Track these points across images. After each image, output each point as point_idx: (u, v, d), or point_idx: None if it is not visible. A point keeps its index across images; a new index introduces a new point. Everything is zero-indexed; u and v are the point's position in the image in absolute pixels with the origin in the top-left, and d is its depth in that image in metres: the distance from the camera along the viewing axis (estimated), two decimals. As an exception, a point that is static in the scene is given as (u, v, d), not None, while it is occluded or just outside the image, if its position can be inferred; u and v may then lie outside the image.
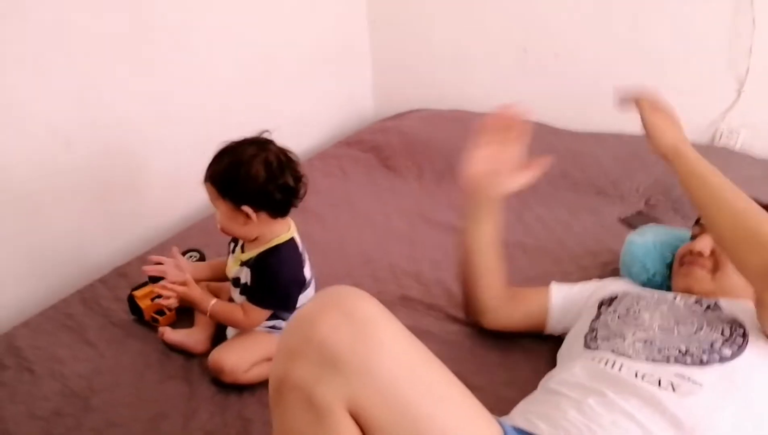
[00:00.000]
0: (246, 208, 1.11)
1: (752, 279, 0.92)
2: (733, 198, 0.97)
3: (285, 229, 1.18)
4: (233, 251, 1.24)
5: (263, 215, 1.13)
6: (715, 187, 0.99)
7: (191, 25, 1.72)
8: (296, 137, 2.17)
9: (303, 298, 1.21)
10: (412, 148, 2.09)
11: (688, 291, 1.13)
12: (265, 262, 1.16)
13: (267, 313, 1.18)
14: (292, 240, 1.19)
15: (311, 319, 0.76)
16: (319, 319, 0.75)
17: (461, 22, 2.30)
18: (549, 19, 2.14)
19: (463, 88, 2.39)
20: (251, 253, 1.18)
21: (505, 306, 1.27)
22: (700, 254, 1.14)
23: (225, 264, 1.27)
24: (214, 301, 1.18)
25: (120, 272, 1.50)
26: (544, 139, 2.05)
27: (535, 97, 2.26)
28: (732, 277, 1.10)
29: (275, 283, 1.16)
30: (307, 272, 1.22)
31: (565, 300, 1.25)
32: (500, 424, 0.82)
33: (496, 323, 1.28)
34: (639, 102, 1.14)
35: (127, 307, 1.33)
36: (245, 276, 1.18)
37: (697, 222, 1.22)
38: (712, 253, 1.14)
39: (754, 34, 1.84)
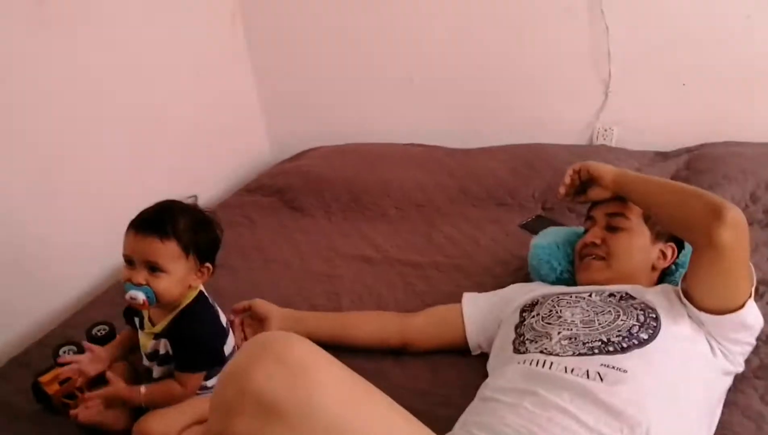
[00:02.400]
0: (208, 265, 1.11)
1: (700, 224, 1.00)
2: (670, 183, 1.16)
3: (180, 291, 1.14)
4: (140, 326, 1.17)
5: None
6: (656, 181, 1.17)
7: (77, 96, 1.65)
8: (194, 193, 2.13)
9: (227, 348, 1.16)
10: (315, 186, 2.09)
11: (591, 282, 1.21)
12: (181, 327, 1.11)
13: (202, 375, 1.13)
14: (200, 293, 1.15)
15: (243, 370, 0.73)
16: (252, 369, 0.73)
17: (347, 58, 2.35)
18: (431, 47, 2.24)
19: (356, 121, 2.44)
20: (162, 322, 1.12)
21: (420, 331, 1.31)
22: (593, 244, 1.23)
23: (129, 334, 1.22)
24: (143, 388, 1.11)
25: (18, 362, 1.37)
26: (440, 160, 2.13)
27: (426, 121, 2.35)
28: (624, 261, 1.20)
29: (199, 345, 1.11)
30: (223, 320, 1.19)
31: (479, 309, 1.30)
32: None
33: (421, 348, 1.31)
34: (578, 170, 1.27)
35: (32, 395, 1.22)
36: (164, 347, 1.12)
37: (587, 217, 1.31)
38: (603, 241, 1.23)
39: (608, 39, 2.02)
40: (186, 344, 1.11)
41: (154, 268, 1.06)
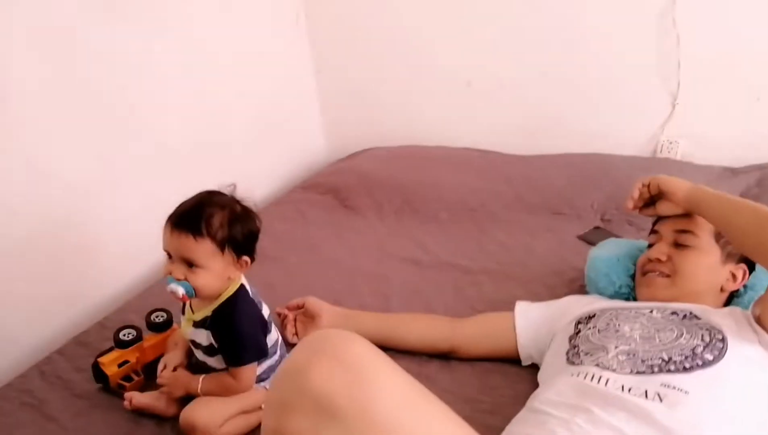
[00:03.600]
0: (246, 258, 1.12)
1: None
2: (750, 204, 1.07)
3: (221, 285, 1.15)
4: (182, 311, 1.20)
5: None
6: (735, 200, 1.10)
7: (140, 89, 1.70)
8: (251, 189, 2.17)
9: (269, 340, 1.18)
10: (369, 187, 2.10)
11: (652, 299, 1.16)
12: (221, 320, 1.12)
13: (254, 367, 1.15)
14: (242, 286, 1.16)
15: (301, 368, 0.73)
16: (311, 367, 0.72)
17: (406, 59, 2.35)
18: (490, 53, 2.22)
19: (412, 124, 2.44)
20: (203, 311, 1.13)
21: (470, 337, 1.29)
22: (658, 260, 1.18)
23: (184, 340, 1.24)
24: (201, 378, 1.14)
25: (78, 341, 1.43)
26: (495, 165, 2.11)
27: (482, 127, 2.33)
28: (691, 280, 1.15)
29: (239, 337, 1.12)
30: (265, 312, 1.20)
31: (532, 319, 1.27)
32: None
33: (469, 354, 1.29)
34: (647, 184, 1.23)
35: (91, 375, 1.27)
36: (206, 338, 1.14)
37: (652, 231, 1.26)
38: (669, 258, 1.18)
39: (679, 49, 1.95)
40: (227, 337, 1.12)
41: (191, 264, 1.07)
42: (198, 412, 1.10)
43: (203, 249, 1.06)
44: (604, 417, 0.88)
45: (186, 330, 1.18)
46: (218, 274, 1.10)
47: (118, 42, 1.62)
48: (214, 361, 1.16)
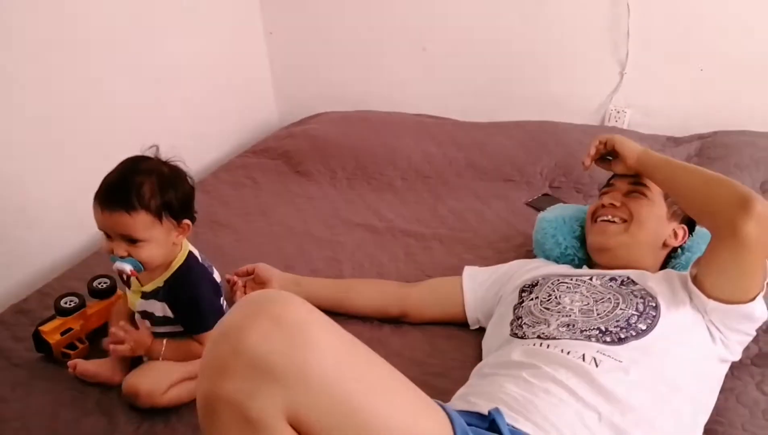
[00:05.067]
0: (186, 222, 1.08)
1: (725, 212, 0.98)
2: (696, 168, 1.12)
3: (180, 247, 1.13)
4: (127, 284, 1.16)
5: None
6: (681, 164, 1.15)
7: (83, 44, 1.61)
8: (199, 153, 2.13)
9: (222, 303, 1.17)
10: (322, 152, 2.07)
11: (603, 246, 1.20)
12: (178, 290, 1.10)
13: None
14: (190, 253, 1.14)
15: (238, 329, 0.70)
16: (247, 328, 0.70)
17: (359, 23, 2.31)
18: (445, 18, 2.20)
19: (367, 88, 2.41)
20: (154, 282, 1.11)
21: (419, 302, 1.31)
22: (612, 205, 1.22)
23: (126, 310, 1.21)
24: (163, 343, 1.11)
25: (17, 309, 1.38)
26: (449, 132, 2.11)
27: (437, 92, 2.32)
28: (643, 227, 1.18)
29: (200, 304, 1.11)
30: (217, 276, 1.18)
31: (479, 283, 1.30)
32: (445, 409, 0.82)
33: (420, 319, 1.31)
34: (603, 141, 1.26)
35: (32, 344, 1.23)
36: (161, 309, 1.12)
37: (608, 184, 1.30)
38: (623, 205, 1.21)
39: (629, 19, 1.97)
40: (187, 306, 1.11)
41: (132, 240, 1.03)
42: (141, 379, 1.09)
43: (140, 222, 1.02)
44: (549, 371, 0.92)
45: (134, 301, 1.14)
46: (162, 243, 1.07)
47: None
48: (165, 330, 1.14)
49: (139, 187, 1.02)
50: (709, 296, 1.01)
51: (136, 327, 1.14)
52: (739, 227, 0.95)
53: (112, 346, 1.10)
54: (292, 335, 0.70)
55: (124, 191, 1.01)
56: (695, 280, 1.04)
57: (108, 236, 1.05)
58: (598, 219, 1.23)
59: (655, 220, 1.19)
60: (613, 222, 1.20)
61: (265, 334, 0.70)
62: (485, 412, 0.86)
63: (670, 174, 1.14)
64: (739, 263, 0.98)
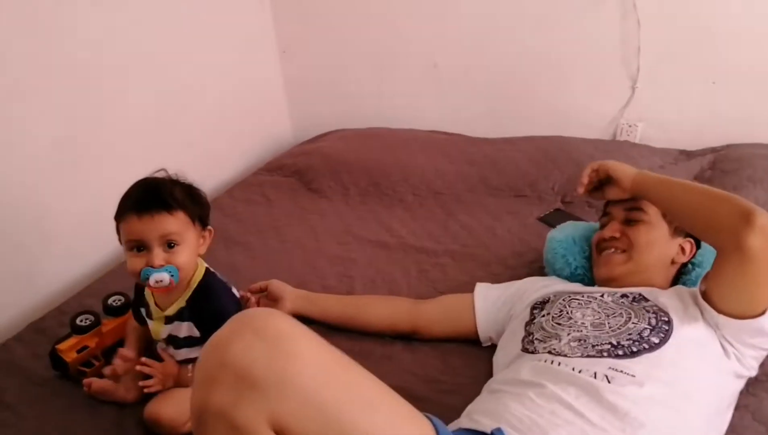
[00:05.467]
0: (210, 229, 1.13)
1: (728, 228, 0.98)
2: (694, 185, 1.12)
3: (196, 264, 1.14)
4: (148, 315, 1.16)
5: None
6: (679, 183, 1.13)
7: (100, 66, 1.65)
8: (214, 171, 2.15)
9: None
10: (334, 169, 2.09)
11: (610, 276, 1.20)
12: (203, 305, 1.10)
13: None
14: (207, 269, 1.15)
15: (223, 343, 0.76)
16: (232, 341, 0.75)
17: (372, 41, 2.34)
18: (456, 34, 2.22)
19: (378, 106, 2.43)
20: (176, 304, 1.11)
21: (431, 319, 1.32)
22: (612, 238, 1.22)
23: (140, 329, 1.22)
24: (189, 369, 1.12)
25: (36, 328, 1.40)
26: (461, 148, 2.12)
27: (449, 108, 2.34)
28: (645, 252, 1.18)
29: (227, 317, 1.10)
30: (235, 292, 1.20)
31: (491, 301, 1.29)
32: (431, 421, 0.83)
33: (431, 335, 1.32)
34: (597, 169, 1.25)
35: (49, 362, 1.25)
36: (187, 330, 1.12)
37: (604, 213, 1.30)
38: (623, 234, 1.21)
39: (640, 33, 1.98)
40: (213, 320, 1.08)
41: (170, 244, 1.05)
42: (164, 406, 1.08)
43: (181, 221, 1.06)
44: (556, 391, 0.91)
45: (158, 330, 1.14)
46: (193, 248, 1.09)
47: (80, 20, 1.57)
48: (184, 356, 1.15)
49: (171, 191, 1.06)
50: (719, 311, 1.00)
51: (156, 358, 1.15)
52: (742, 241, 0.94)
53: (141, 383, 1.10)
54: (273, 346, 0.74)
55: (159, 196, 1.04)
56: (705, 295, 1.03)
57: (139, 250, 1.05)
58: (602, 252, 1.23)
59: (658, 242, 1.19)
60: (617, 252, 1.20)
61: (248, 345, 0.74)
62: (488, 431, 0.86)
63: (667, 194, 1.14)
64: (745, 277, 0.97)
